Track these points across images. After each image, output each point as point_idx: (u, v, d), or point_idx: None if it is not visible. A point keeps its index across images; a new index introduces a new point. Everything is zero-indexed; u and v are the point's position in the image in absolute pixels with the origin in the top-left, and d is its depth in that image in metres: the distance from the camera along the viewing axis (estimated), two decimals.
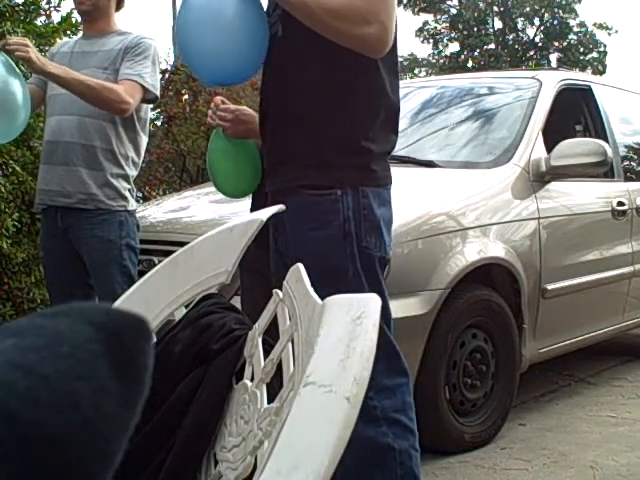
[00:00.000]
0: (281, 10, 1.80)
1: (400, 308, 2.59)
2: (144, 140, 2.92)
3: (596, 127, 4.22)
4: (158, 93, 2.84)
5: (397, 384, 1.77)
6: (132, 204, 2.86)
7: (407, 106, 4.08)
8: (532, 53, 31.75)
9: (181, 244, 1.72)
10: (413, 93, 4.34)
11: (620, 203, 3.99)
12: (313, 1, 1.67)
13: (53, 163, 2.79)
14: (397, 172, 3.81)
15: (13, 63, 2.43)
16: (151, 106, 3.03)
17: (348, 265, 1.75)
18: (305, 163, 1.78)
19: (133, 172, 2.88)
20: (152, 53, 2.81)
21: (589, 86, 4.27)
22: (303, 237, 1.77)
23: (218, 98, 2.30)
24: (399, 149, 3.80)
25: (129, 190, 2.84)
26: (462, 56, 31.79)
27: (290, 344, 1.13)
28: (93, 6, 2.82)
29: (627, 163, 4.49)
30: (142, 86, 2.73)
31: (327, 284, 1.62)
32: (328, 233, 1.75)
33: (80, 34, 3.25)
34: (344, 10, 1.67)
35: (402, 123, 4.05)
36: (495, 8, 31.55)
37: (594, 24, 30.43)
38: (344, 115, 1.79)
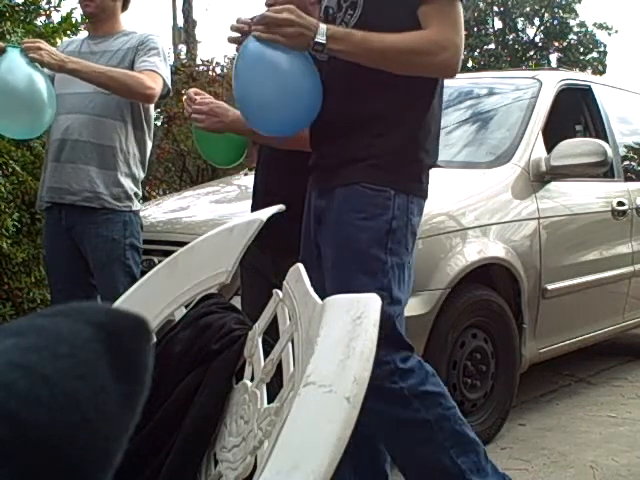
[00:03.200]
0: (351, 26, 1.84)
1: None
2: (149, 141, 2.92)
3: (596, 127, 4.22)
4: (170, 86, 2.85)
5: (414, 363, 1.84)
6: (136, 204, 2.86)
7: None
8: (532, 53, 31.73)
9: (181, 244, 1.72)
10: None
11: (620, 203, 3.98)
12: (382, 47, 1.74)
13: (61, 161, 2.79)
14: None
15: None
16: (154, 110, 3.03)
17: (387, 258, 1.82)
18: (370, 164, 1.85)
19: (140, 173, 2.87)
20: (161, 49, 2.83)
21: (589, 86, 4.26)
22: (350, 224, 1.84)
23: (192, 90, 2.31)
24: None
25: (135, 192, 2.84)
26: (462, 56, 31.72)
27: (290, 344, 1.13)
28: (98, 8, 2.82)
29: (627, 163, 4.48)
30: (160, 76, 2.75)
31: (365, 271, 1.78)
32: (374, 224, 1.82)
33: (84, 33, 3.25)
34: (420, 45, 1.75)
35: None
36: (495, 8, 31.54)
37: (594, 24, 30.43)
38: (405, 120, 1.85)
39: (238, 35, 1.86)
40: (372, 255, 1.81)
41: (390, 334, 1.79)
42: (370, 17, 1.82)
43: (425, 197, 1.95)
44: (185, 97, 2.29)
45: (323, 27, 1.75)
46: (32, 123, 2.54)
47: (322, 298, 0.95)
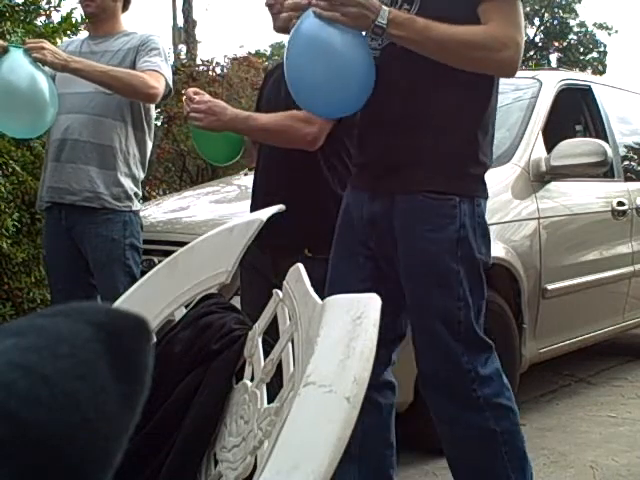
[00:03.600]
0: (397, 8, 1.81)
1: None
2: (149, 142, 2.92)
3: (596, 127, 4.21)
4: (171, 86, 2.85)
5: (493, 370, 1.87)
6: (136, 204, 2.85)
7: None
8: (532, 53, 31.72)
9: (181, 244, 1.72)
10: None
11: (620, 203, 3.98)
12: (443, 37, 1.71)
13: (61, 161, 2.79)
14: None
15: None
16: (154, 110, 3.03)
17: (459, 268, 1.81)
18: (432, 169, 1.83)
19: (140, 173, 2.87)
20: (162, 49, 2.82)
21: (589, 86, 4.26)
22: (419, 237, 1.83)
23: (191, 90, 2.31)
24: None
25: (135, 193, 2.84)
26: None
27: (290, 344, 1.13)
28: (99, 8, 2.82)
29: (627, 163, 4.48)
30: (163, 76, 2.74)
31: (440, 284, 1.80)
32: (444, 236, 1.81)
33: (84, 33, 3.25)
34: (482, 40, 1.73)
35: None
36: None
37: (594, 24, 30.45)
38: (464, 121, 1.84)
39: (292, 13, 1.79)
40: (445, 267, 1.81)
41: (472, 339, 1.83)
42: (427, 13, 1.76)
43: (487, 197, 1.93)
44: (184, 97, 2.30)
45: (385, 10, 1.70)
46: (34, 122, 2.55)
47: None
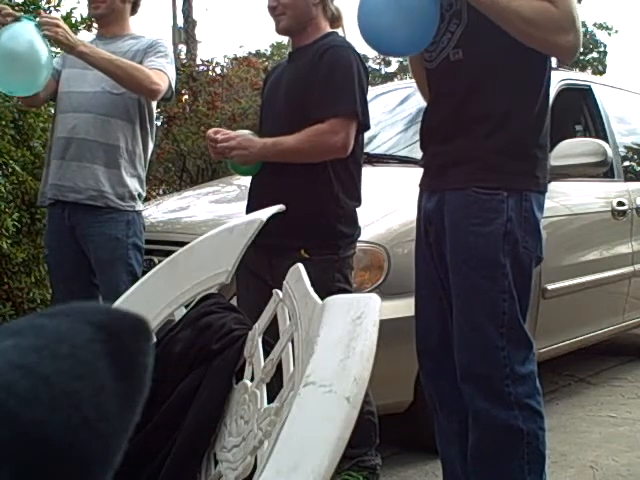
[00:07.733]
0: (458, 35, 1.87)
1: (400, 308, 2.59)
2: (151, 142, 2.93)
3: (596, 127, 4.21)
4: (174, 89, 2.86)
5: (529, 372, 1.89)
6: (139, 204, 2.86)
7: (407, 106, 4.07)
8: None
9: (181, 244, 1.72)
10: (414, 93, 4.33)
11: (620, 203, 3.98)
12: (507, 6, 1.75)
13: (65, 159, 2.78)
14: (397, 172, 3.79)
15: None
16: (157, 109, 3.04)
17: (505, 262, 1.85)
18: (480, 166, 1.87)
19: (144, 173, 2.88)
20: (169, 53, 2.84)
21: (589, 86, 4.26)
22: (466, 231, 1.87)
23: (210, 131, 2.38)
24: (399, 149, 3.79)
25: (139, 193, 2.84)
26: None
27: (290, 344, 1.13)
28: (108, 9, 2.83)
29: (627, 163, 4.48)
30: (167, 75, 2.75)
31: (486, 277, 1.84)
32: (490, 230, 1.85)
33: (82, 33, 3.24)
34: (540, 18, 1.76)
35: (402, 123, 4.06)
36: None
37: (594, 24, 30.45)
38: (519, 119, 1.87)
39: None
40: (491, 260, 1.85)
41: (515, 333, 1.85)
42: (477, 27, 1.83)
43: (543, 191, 1.96)
44: (207, 139, 2.40)
45: None
46: (28, 82, 2.57)
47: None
